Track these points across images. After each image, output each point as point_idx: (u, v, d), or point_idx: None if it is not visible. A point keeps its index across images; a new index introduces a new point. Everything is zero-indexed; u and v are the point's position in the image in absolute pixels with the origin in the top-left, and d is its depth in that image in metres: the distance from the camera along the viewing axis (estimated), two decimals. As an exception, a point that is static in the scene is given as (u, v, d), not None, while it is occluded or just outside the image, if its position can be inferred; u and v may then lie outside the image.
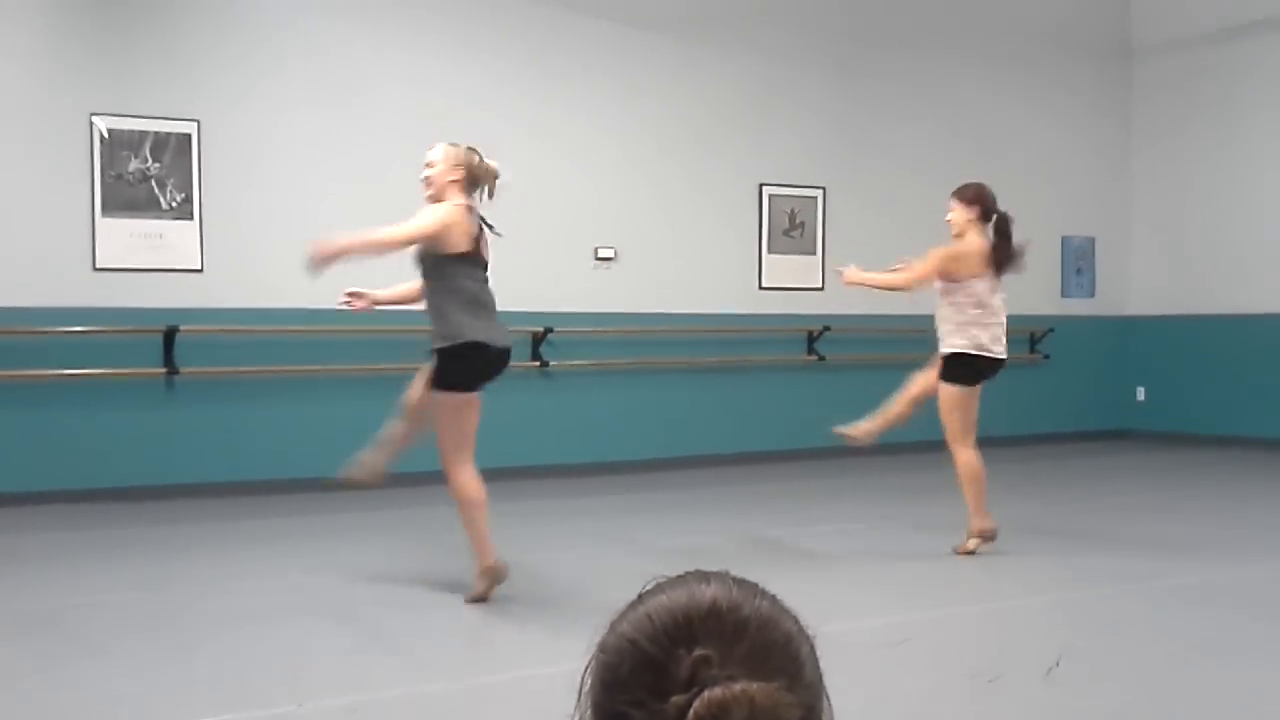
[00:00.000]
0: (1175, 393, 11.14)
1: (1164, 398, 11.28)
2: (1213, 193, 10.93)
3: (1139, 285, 11.60)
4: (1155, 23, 11.42)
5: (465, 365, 4.81)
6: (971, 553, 5.78)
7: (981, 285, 5.80)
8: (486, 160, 5.04)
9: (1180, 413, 11.05)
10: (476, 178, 4.98)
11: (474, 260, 4.86)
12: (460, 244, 4.79)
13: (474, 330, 4.78)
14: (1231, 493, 8.22)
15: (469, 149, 5.01)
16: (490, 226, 5.05)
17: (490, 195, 5.09)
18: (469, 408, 4.84)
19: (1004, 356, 5.89)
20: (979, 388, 5.87)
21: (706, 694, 0.85)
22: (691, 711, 0.84)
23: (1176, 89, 11.25)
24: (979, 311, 5.80)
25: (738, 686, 0.85)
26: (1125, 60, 11.61)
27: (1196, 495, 8.16)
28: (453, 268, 4.81)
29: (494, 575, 4.78)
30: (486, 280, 4.97)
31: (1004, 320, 5.92)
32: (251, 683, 3.81)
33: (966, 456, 5.83)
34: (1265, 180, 10.50)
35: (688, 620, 0.90)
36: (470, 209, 4.90)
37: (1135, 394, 11.56)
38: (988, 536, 5.82)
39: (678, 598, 0.92)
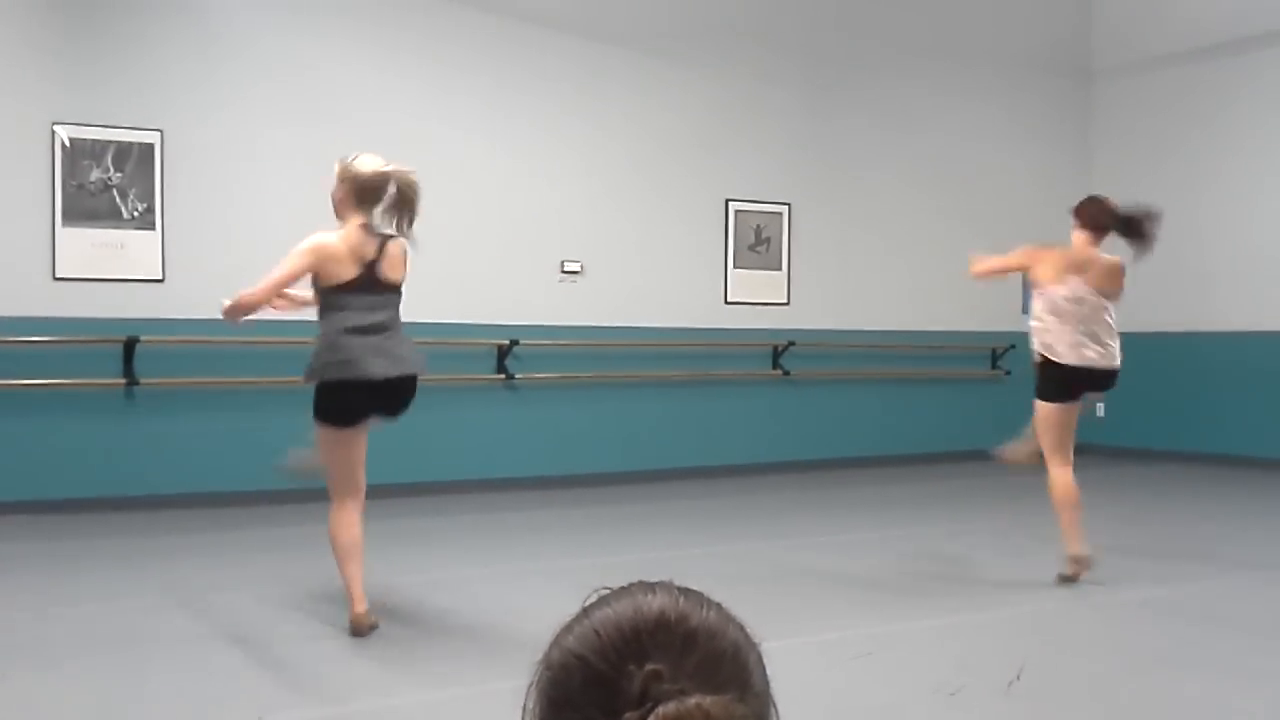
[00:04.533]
0: (1135, 408, 11.27)
1: (1124, 413, 11.40)
2: (1170, 212, 11.05)
3: (1099, 303, 11.74)
4: (1115, 46, 11.60)
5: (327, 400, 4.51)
6: (1069, 579, 5.45)
7: (1059, 290, 5.68)
8: (380, 166, 4.48)
9: (1140, 428, 11.18)
10: (366, 189, 4.47)
11: (362, 288, 4.45)
12: (340, 275, 4.40)
13: (337, 368, 4.40)
14: (1190, 507, 8.32)
15: (356, 157, 4.50)
16: (392, 237, 4.56)
17: (406, 205, 4.52)
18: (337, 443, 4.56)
19: (1076, 363, 5.55)
20: (1068, 403, 5.61)
21: (660, 710, 0.84)
22: None
23: (1135, 111, 11.42)
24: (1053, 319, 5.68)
25: (691, 701, 0.84)
26: (1086, 82, 11.78)
27: (1156, 510, 8.26)
28: (333, 298, 4.45)
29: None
30: (385, 305, 4.53)
31: (1097, 328, 5.63)
32: (211, 696, 3.77)
33: (1052, 476, 5.60)
34: (1222, 200, 10.68)
35: (636, 634, 0.89)
36: (366, 227, 4.48)
37: (1095, 410, 11.68)
38: (1078, 564, 5.48)
39: (624, 610, 0.91)
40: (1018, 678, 3.93)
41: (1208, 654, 4.38)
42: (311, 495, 7.69)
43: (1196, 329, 10.65)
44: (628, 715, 0.85)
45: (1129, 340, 11.96)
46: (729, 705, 0.85)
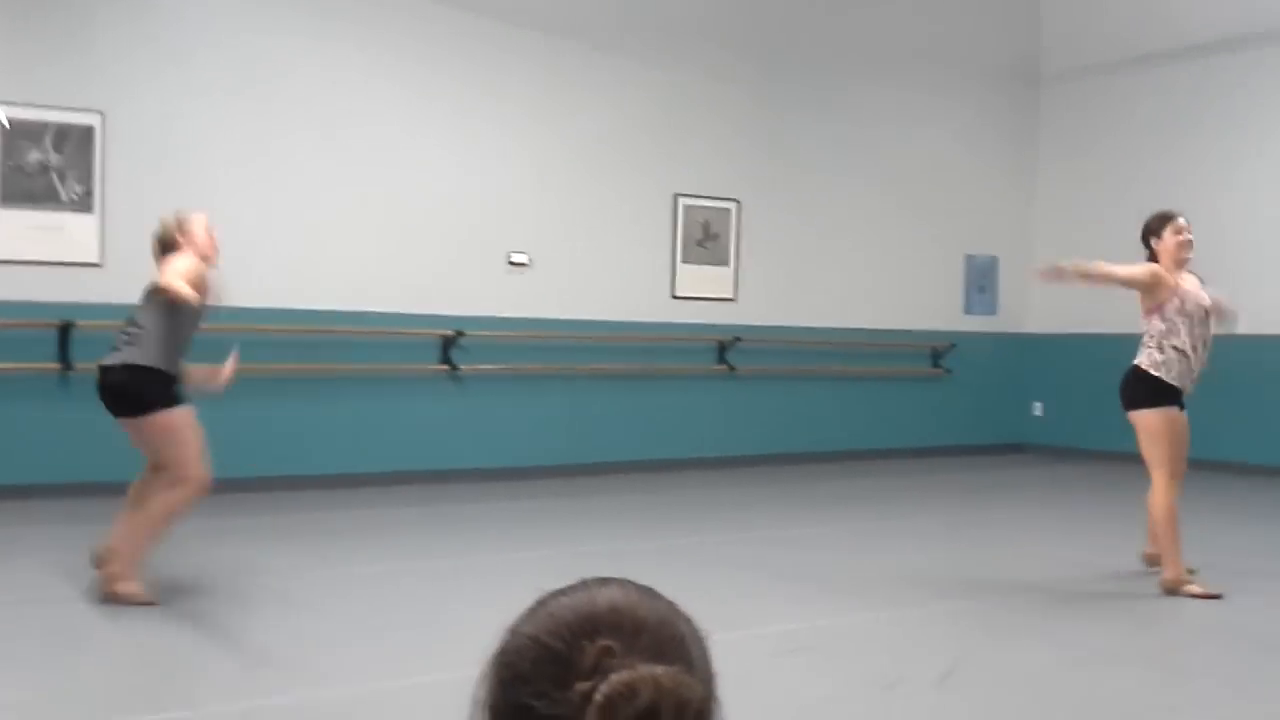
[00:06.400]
0: (1070, 408, 11.47)
1: (1060, 413, 11.61)
2: (1111, 216, 11.28)
3: (1038, 304, 11.93)
4: (1063, 51, 11.78)
5: None
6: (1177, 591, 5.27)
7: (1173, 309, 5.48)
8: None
9: (1075, 428, 11.39)
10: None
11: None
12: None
13: None
14: (1122, 507, 8.47)
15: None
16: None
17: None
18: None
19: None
20: (1175, 417, 5.48)
21: (614, 677, 0.86)
22: (599, 694, 0.85)
23: (1080, 115, 11.61)
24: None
25: (643, 668, 0.86)
26: (1033, 86, 11.95)
27: (1089, 509, 8.41)
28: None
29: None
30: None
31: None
32: (143, 687, 3.73)
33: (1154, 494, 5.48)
34: (1162, 204, 10.86)
35: (590, 616, 0.91)
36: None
37: (1032, 409, 11.88)
38: (1170, 588, 5.27)
39: (578, 598, 0.94)
40: (952, 671, 4.00)
41: (1140, 649, 4.49)
42: (247, 485, 7.61)
43: (1133, 331, 10.84)
44: (579, 685, 0.87)
45: (1067, 341, 12.19)
46: (678, 675, 0.87)
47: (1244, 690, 4.15)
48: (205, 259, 5.07)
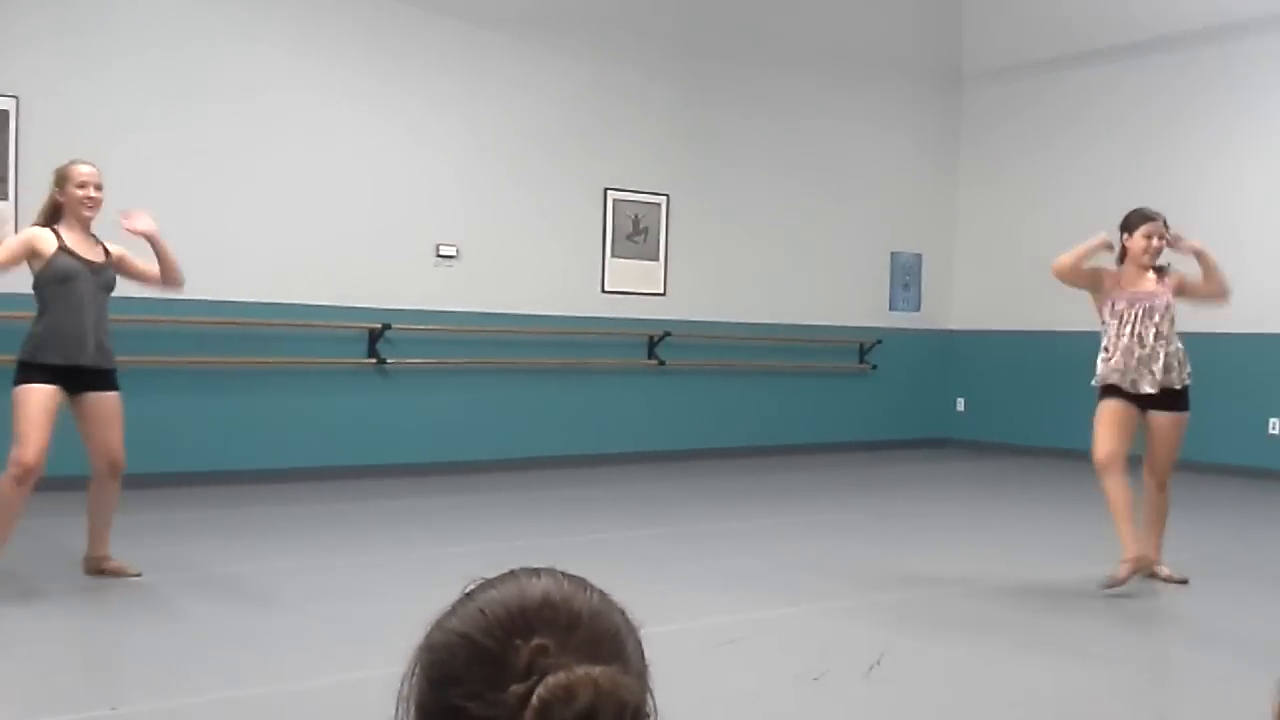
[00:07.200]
0: (992, 404, 11.71)
1: (982, 408, 11.83)
2: (1031, 215, 11.53)
3: (961, 301, 12.15)
4: (985, 52, 12.00)
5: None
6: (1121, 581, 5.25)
7: (1107, 311, 5.54)
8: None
9: (996, 423, 11.62)
10: None
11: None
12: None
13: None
14: (1042, 499, 8.67)
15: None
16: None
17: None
18: None
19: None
20: (1115, 408, 5.42)
21: (550, 679, 0.84)
22: (535, 697, 0.83)
23: (1002, 115, 11.84)
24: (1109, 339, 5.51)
25: (580, 670, 0.85)
26: (956, 86, 12.15)
27: (1010, 502, 8.59)
28: None
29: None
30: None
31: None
32: (63, 685, 3.64)
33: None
34: (1078, 204, 11.13)
35: (522, 612, 0.89)
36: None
37: (955, 404, 12.09)
38: (1131, 568, 5.30)
39: (509, 591, 0.92)
40: (878, 663, 4.05)
41: (1057, 639, 4.59)
42: (168, 480, 7.47)
43: (1052, 328, 11.08)
44: (514, 687, 0.85)
45: (989, 338, 12.39)
46: (615, 676, 0.86)
47: (1167, 678, 4.28)
48: (78, 217, 4.93)
